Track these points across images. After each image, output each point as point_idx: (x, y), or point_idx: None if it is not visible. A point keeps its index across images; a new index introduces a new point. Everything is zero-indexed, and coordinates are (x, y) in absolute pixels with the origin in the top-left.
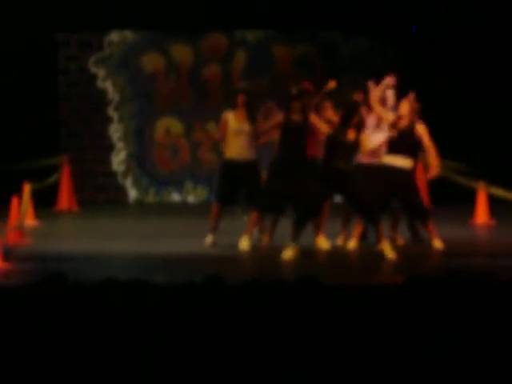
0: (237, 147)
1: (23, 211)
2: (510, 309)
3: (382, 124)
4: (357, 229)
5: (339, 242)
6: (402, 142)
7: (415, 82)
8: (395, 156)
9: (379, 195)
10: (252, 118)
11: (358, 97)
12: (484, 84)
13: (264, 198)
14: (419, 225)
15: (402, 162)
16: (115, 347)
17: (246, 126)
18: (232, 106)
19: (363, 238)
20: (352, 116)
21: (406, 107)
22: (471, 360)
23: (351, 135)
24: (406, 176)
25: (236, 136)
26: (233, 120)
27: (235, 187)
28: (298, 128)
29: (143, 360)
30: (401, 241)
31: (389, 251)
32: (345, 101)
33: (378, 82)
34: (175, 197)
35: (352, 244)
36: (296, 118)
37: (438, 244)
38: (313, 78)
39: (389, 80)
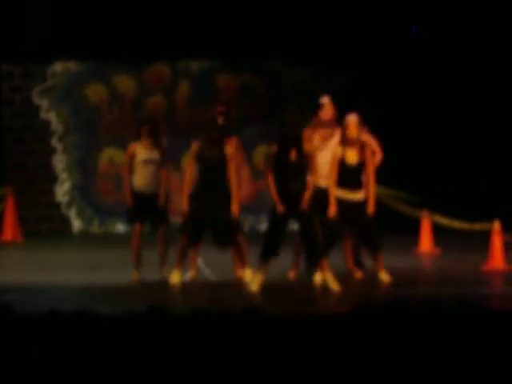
0: (145, 177)
1: None
2: (456, 337)
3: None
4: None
5: (290, 275)
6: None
7: (360, 111)
8: (346, 190)
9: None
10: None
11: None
12: (430, 112)
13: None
14: (363, 254)
15: (352, 195)
16: (59, 379)
17: (155, 155)
18: (137, 137)
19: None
20: None
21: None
22: None
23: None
24: (360, 206)
25: (145, 166)
26: (140, 150)
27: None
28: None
29: None
30: (359, 274)
31: (333, 283)
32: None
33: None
34: (120, 227)
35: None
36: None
37: (384, 277)
38: (257, 107)
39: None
